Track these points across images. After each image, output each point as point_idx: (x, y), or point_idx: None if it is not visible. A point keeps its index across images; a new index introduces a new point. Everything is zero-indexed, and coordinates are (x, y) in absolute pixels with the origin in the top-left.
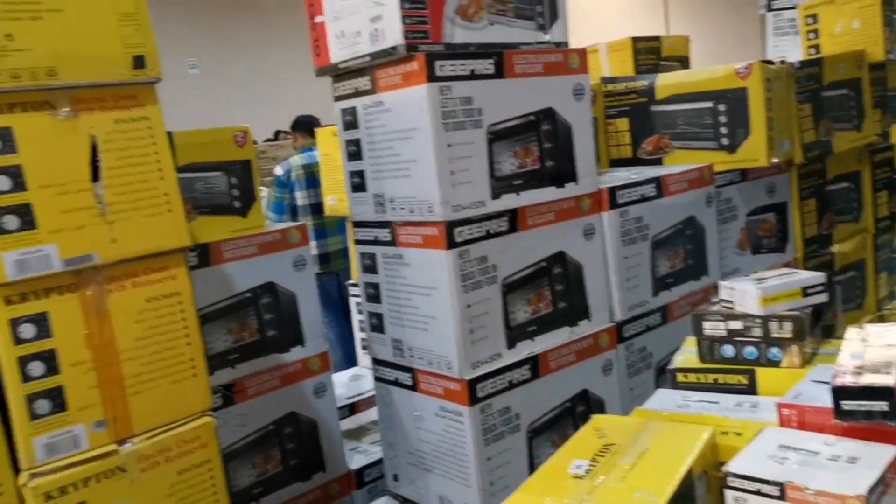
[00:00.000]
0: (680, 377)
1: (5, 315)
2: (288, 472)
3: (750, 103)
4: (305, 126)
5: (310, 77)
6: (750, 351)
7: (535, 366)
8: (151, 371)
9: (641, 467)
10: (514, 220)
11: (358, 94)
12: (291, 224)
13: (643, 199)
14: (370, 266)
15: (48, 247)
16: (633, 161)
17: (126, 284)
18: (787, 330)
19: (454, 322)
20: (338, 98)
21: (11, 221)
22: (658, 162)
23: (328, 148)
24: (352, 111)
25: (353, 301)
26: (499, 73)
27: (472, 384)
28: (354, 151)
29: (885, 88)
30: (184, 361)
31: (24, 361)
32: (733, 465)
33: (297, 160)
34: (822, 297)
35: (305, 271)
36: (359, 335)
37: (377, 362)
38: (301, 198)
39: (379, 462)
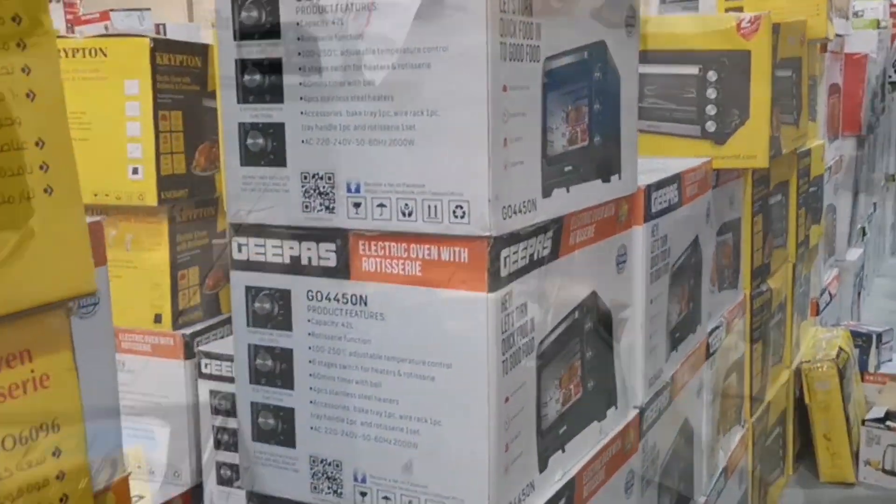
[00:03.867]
0: None
1: None
2: None
3: (753, 74)
4: None
5: None
6: None
7: (570, 500)
8: None
9: None
10: (559, 236)
11: None
12: None
13: (669, 209)
14: (273, 315)
15: None
16: None
17: None
18: None
19: (487, 430)
20: None
21: None
22: None
23: None
24: (268, 4)
25: None
26: None
27: None
28: (263, 85)
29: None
30: None
31: None
32: None
33: None
34: None
35: None
36: None
37: (265, 501)
38: None
39: None
